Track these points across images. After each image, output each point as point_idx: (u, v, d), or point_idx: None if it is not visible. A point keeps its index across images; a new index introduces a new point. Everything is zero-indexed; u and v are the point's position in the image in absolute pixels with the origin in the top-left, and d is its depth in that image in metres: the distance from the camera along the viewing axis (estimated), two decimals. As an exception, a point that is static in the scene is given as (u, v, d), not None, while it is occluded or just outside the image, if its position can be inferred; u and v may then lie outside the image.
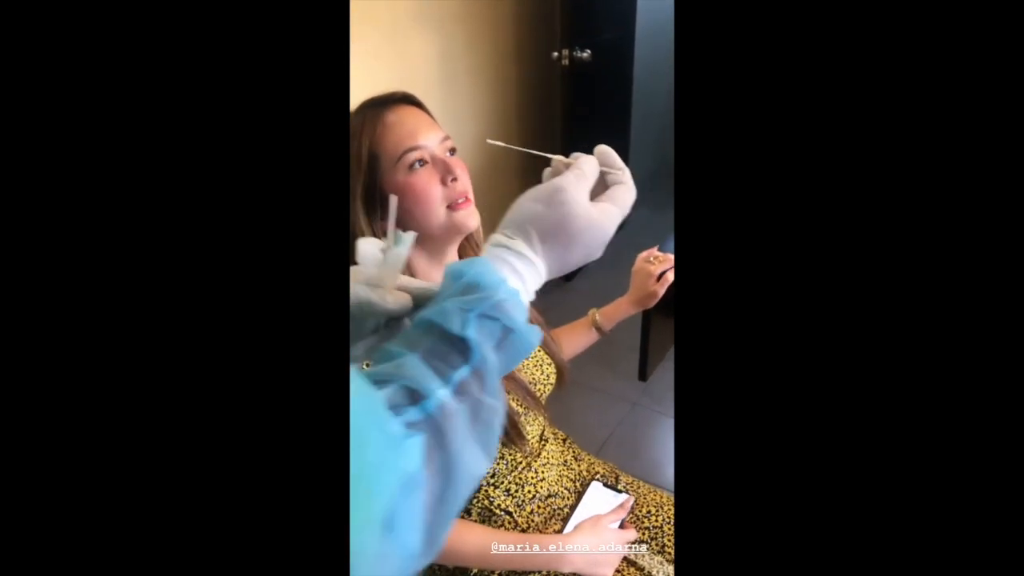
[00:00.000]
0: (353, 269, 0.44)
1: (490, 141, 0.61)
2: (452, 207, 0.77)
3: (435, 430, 0.33)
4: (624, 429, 1.91)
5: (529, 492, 0.88)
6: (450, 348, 0.36)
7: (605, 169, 0.46)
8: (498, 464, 0.86)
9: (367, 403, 0.31)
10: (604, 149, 0.46)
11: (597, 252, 0.43)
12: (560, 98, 2.30)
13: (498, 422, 0.37)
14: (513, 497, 0.87)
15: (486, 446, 0.36)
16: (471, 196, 0.79)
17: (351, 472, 0.28)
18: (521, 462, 0.89)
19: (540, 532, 0.87)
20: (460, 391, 0.35)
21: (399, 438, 0.31)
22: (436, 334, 0.37)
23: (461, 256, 0.89)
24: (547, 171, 0.47)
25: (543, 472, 0.91)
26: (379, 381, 0.34)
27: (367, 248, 0.45)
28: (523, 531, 0.86)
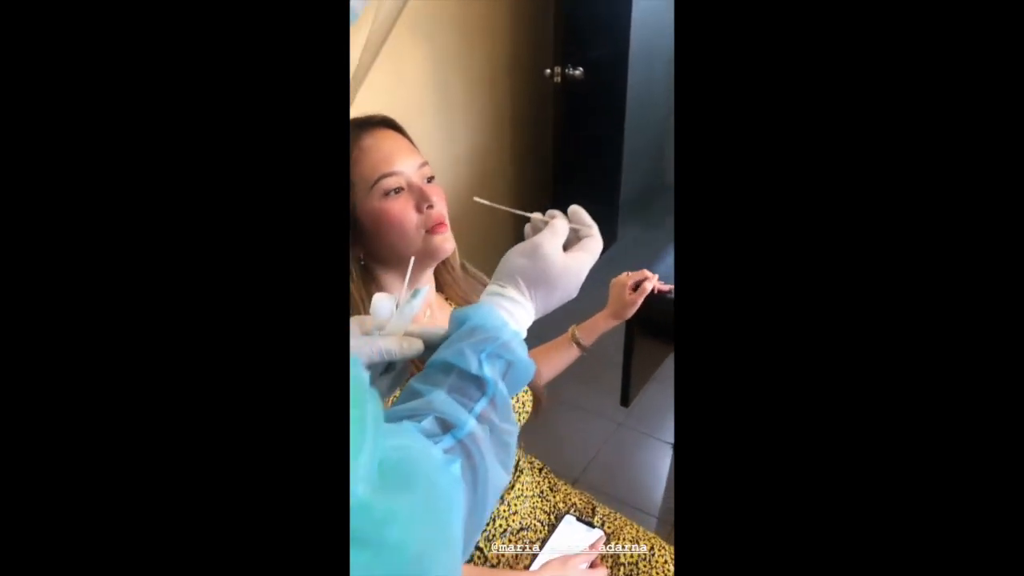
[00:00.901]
0: (361, 319, 0.52)
1: (476, 199, 0.65)
2: (428, 232, 0.75)
3: (466, 453, 0.41)
4: (608, 450, 1.89)
5: (500, 526, 0.86)
6: (469, 384, 0.44)
7: (575, 225, 0.54)
8: None
9: (423, 444, 0.39)
10: (575, 209, 0.55)
11: (573, 292, 0.52)
12: (552, 115, 2.30)
13: (513, 442, 0.45)
14: (483, 532, 0.84)
15: (505, 463, 0.44)
16: (447, 222, 0.77)
17: (421, 501, 0.34)
18: (493, 494, 0.87)
19: (510, 568, 0.84)
20: (481, 419, 0.43)
21: (446, 464, 0.39)
22: (456, 373, 0.44)
23: (437, 279, 0.87)
24: (528, 227, 0.56)
25: (516, 505, 0.89)
26: (412, 416, 0.41)
27: (382, 302, 0.52)
28: (493, 567, 0.83)
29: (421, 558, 0.33)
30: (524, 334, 0.49)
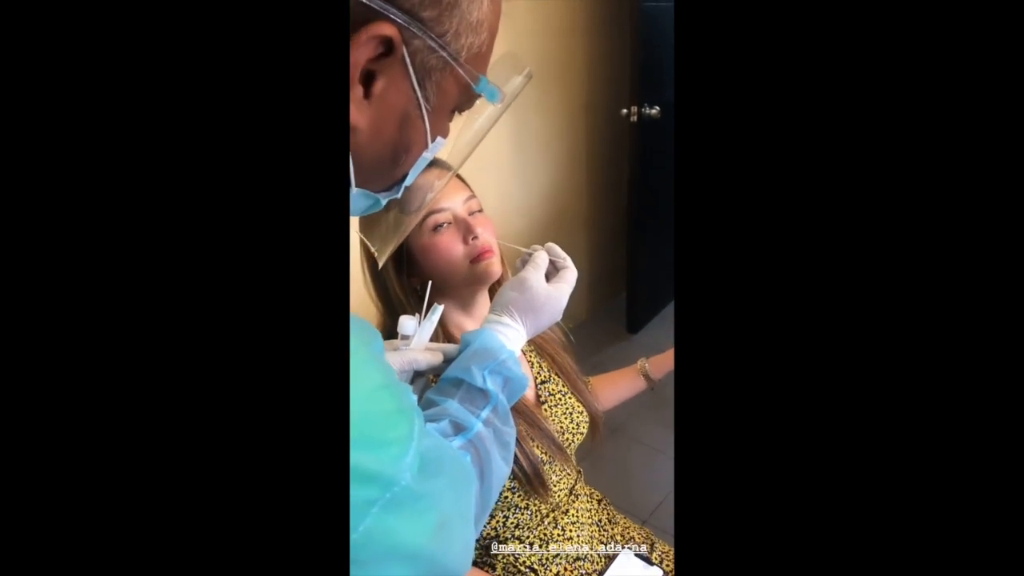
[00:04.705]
0: (391, 341, 0.62)
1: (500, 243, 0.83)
2: (475, 260, 0.81)
3: (475, 450, 0.51)
4: (683, 494, 1.81)
5: (555, 549, 0.85)
6: (476, 395, 0.55)
7: (554, 259, 0.66)
8: (522, 515, 0.84)
9: (446, 442, 0.49)
10: (550, 246, 0.67)
11: (558, 316, 0.64)
12: (629, 154, 2.31)
13: (512, 442, 0.56)
14: (537, 554, 0.83)
15: (506, 459, 0.54)
16: (494, 248, 0.82)
17: (448, 483, 0.43)
18: (547, 515, 0.86)
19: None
20: (486, 423, 0.53)
21: (463, 455, 0.49)
22: (464, 386, 0.55)
23: (492, 299, 0.91)
24: (519, 261, 0.68)
25: (571, 531, 0.87)
26: (432, 420, 0.52)
27: (407, 322, 0.63)
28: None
29: (443, 526, 0.41)
30: (518, 353, 0.60)
